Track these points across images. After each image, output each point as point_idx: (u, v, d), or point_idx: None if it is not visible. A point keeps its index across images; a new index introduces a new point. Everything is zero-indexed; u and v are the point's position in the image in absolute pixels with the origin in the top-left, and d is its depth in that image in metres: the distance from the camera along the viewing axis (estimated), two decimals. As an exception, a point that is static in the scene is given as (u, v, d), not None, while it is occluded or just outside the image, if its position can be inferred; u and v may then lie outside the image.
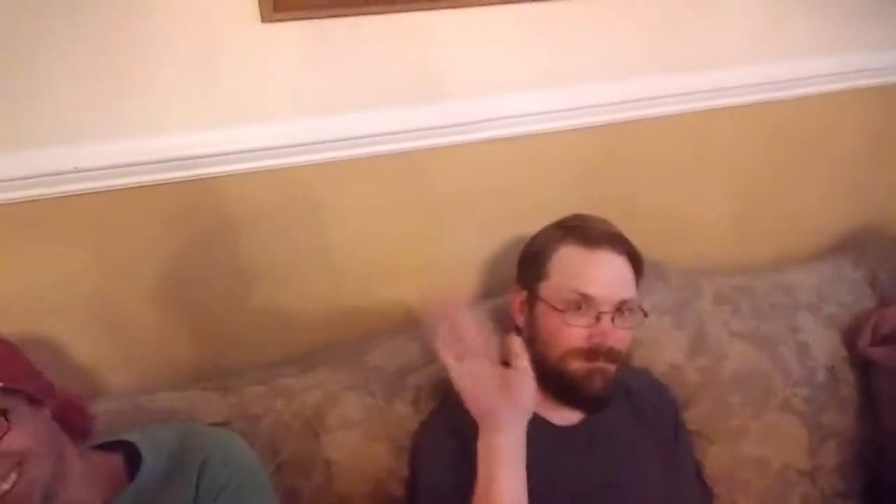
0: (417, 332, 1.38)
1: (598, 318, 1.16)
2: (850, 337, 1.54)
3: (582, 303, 1.16)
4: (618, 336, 1.17)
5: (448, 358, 1.09)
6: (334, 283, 1.42)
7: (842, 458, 1.49)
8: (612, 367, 1.17)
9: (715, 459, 1.43)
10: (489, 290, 1.50)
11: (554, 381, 1.17)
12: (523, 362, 1.10)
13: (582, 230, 1.22)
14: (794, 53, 1.64)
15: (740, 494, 1.43)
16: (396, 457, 1.26)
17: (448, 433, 1.18)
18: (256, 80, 1.26)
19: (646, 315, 1.23)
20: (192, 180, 1.26)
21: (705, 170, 1.67)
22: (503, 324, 1.31)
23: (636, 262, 1.23)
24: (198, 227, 1.31)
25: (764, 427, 1.46)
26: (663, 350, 1.45)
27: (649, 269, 1.28)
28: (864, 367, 1.52)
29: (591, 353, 1.15)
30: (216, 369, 1.35)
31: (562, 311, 1.17)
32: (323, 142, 1.32)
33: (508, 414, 1.05)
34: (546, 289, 1.21)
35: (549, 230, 1.27)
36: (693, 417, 1.42)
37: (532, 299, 1.23)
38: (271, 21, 1.23)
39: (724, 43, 1.57)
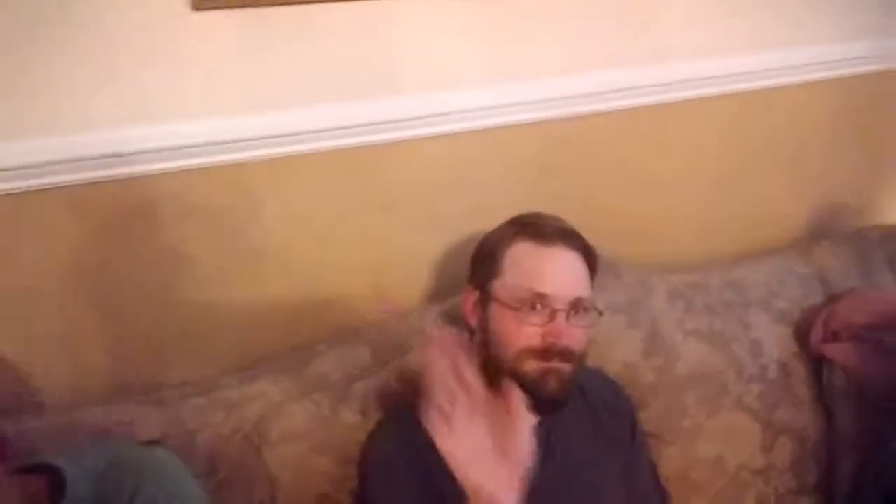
0: (365, 336, 1.34)
1: (552, 317, 1.13)
2: (801, 333, 1.54)
3: (536, 301, 1.13)
4: (573, 335, 1.14)
5: (440, 424, 0.96)
6: (279, 284, 1.37)
7: (795, 455, 1.49)
8: (567, 368, 1.14)
9: (670, 461, 1.41)
10: (443, 290, 1.46)
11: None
12: (521, 407, 0.99)
13: (536, 227, 1.20)
14: (754, 47, 1.65)
15: (695, 496, 1.42)
16: (343, 469, 1.21)
17: (401, 443, 1.13)
18: (191, 73, 1.20)
19: (601, 314, 1.20)
20: (121, 179, 1.19)
21: (665, 164, 1.66)
22: (457, 326, 1.27)
23: (591, 259, 1.21)
24: (128, 229, 1.23)
25: (718, 426, 1.45)
26: (617, 349, 1.43)
27: (602, 267, 1.26)
28: (815, 364, 1.52)
29: (546, 352, 1.12)
30: (153, 379, 1.28)
31: (515, 310, 1.14)
32: (266, 137, 1.26)
33: (507, 482, 0.95)
34: (499, 288, 1.18)
35: (501, 228, 1.24)
36: (648, 418, 1.40)
37: (485, 299, 1.20)
38: (203, 9, 1.17)
39: (683, 36, 1.57)
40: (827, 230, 1.84)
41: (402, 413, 1.19)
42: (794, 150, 1.81)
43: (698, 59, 1.59)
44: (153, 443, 1.12)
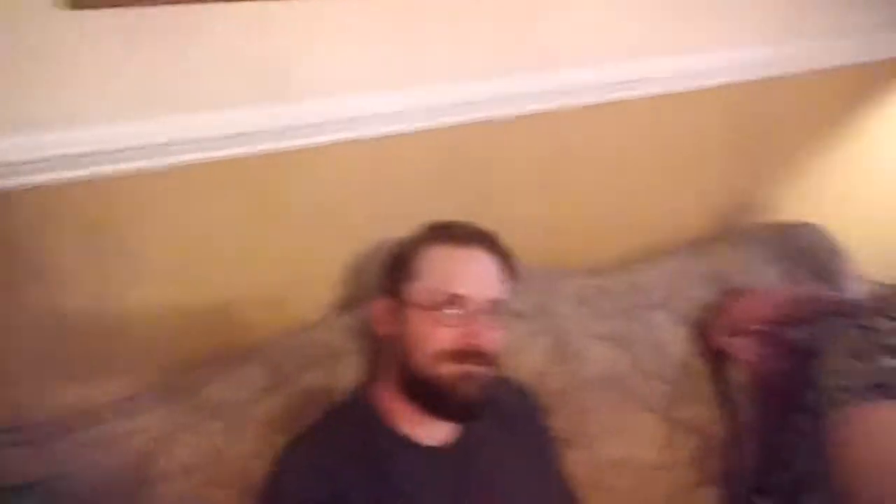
0: (262, 355, 1.27)
1: (469, 318, 1.11)
2: (702, 331, 1.57)
3: (452, 303, 1.11)
4: (489, 337, 1.12)
5: None
6: (170, 302, 1.28)
7: (698, 450, 1.51)
8: (483, 371, 1.12)
9: (578, 465, 1.40)
10: (349, 301, 1.41)
11: (423, 390, 1.11)
12: None
13: (450, 230, 1.18)
14: (650, 52, 1.66)
15: (604, 498, 1.41)
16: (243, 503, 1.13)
17: (316, 474, 1.07)
18: (64, 77, 1.10)
19: (514, 316, 1.18)
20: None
21: (569, 169, 1.65)
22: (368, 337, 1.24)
23: (506, 261, 1.19)
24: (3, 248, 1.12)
25: (624, 428, 1.47)
26: (525, 357, 1.42)
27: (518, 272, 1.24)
28: (717, 360, 1.55)
29: (463, 354, 1.10)
30: (29, 409, 1.17)
31: (431, 312, 1.11)
32: (153, 146, 1.17)
33: None
34: (414, 291, 1.15)
35: (414, 234, 1.21)
36: (556, 425, 1.39)
37: (400, 305, 1.16)
38: (80, 7, 1.07)
39: (578, 41, 1.56)
40: (724, 230, 1.89)
41: (319, 438, 1.13)
42: (693, 154, 1.84)
43: (601, 65, 1.59)
44: (22, 489, 1.03)
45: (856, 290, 1.69)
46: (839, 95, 2.06)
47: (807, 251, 1.77)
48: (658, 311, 1.58)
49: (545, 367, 1.42)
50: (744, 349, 1.51)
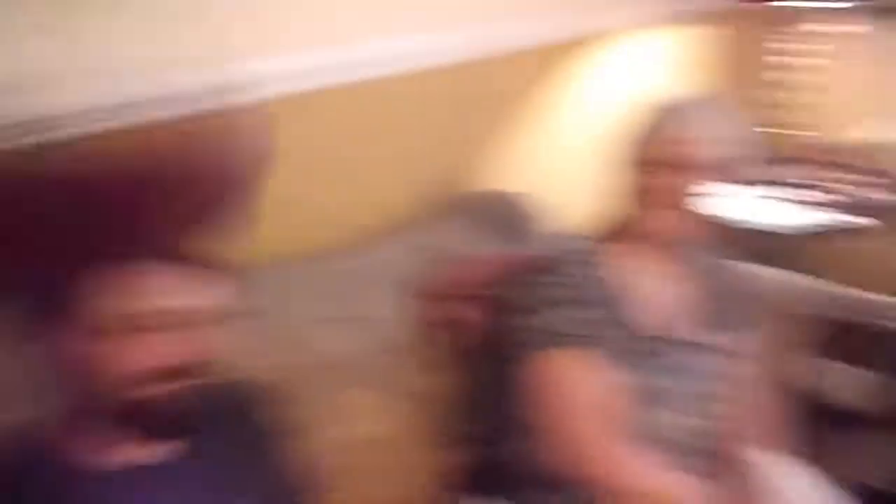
0: None
1: (163, 334, 0.99)
2: (421, 302, 1.63)
3: (140, 320, 0.98)
4: (191, 348, 1.01)
5: None
6: None
7: (433, 417, 1.58)
8: (189, 385, 1.01)
9: (315, 453, 1.37)
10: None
11: (125, 416, 0.99)
12: None
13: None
14: (366, 35, 1.69)
15: (346, 481, 1.42)
16: None
17: None
18: None
19: (230, 315, 1.11)
20: None
21: (280, 158, 1.60)
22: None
23: (200, 265, 1.06)
24: None
25: (357, 408, 1.49)
26: (250, 354, 1.36)
27: (226, 272, 1.17)
28: (439, 328, 1.62)
29: (164, 372, 0.99)
30: None
31: (117, 336, 0.97)
32: None
33: None
34: (92, 316, 0.98)
35: None
36: (288, 416, 1.36)
37: (76, 333, 0.99)
38: None
39: (294, 26, 1.55)
40: (436, 205, 1.98)
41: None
42: (408, 135, 1.91)
43: (317, 50, 1.59)
44: None
45: (547, 249, 1.86)
46: (540, 72, 2.28)
47: (505, 216, 1.94)
48: (380, 288, 1.62)
49: (272, 360, 1.37)
50: (460, 314, 1.59)
